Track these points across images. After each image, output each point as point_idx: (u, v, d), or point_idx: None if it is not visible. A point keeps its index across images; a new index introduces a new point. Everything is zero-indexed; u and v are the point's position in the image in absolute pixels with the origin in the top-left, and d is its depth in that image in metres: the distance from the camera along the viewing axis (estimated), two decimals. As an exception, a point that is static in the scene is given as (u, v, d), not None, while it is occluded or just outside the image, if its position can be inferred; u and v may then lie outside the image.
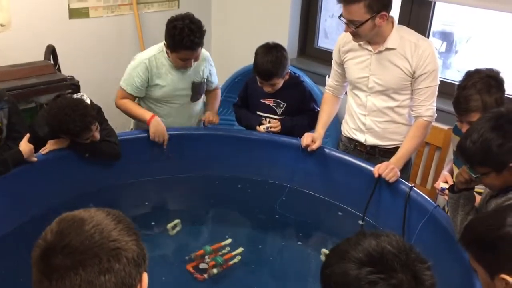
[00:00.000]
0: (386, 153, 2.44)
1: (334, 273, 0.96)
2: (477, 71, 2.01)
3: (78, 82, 3.02)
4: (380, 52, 2.28)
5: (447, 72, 3.31)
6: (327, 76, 2.63)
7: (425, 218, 2.07)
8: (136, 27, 3.64)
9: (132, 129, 2.89)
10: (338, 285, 0.95)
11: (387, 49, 2.26)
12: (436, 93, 2.31)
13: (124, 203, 2.57)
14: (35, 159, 2.25)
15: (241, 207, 2.60)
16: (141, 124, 2.70)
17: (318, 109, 2.68)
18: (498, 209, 1.43)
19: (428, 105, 2.30)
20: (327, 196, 2.55)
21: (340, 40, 2.43)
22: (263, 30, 3.73)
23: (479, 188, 1.86)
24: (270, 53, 2.50)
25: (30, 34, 3.16)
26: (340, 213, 2.47)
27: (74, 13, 3.35)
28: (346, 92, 2.56)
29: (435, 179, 3.06)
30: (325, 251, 2.21)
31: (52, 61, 3.11)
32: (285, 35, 3.62)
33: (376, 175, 2.25)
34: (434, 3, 2.97)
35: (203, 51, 2.68)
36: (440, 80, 2.34)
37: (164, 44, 2.54)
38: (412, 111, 2.35)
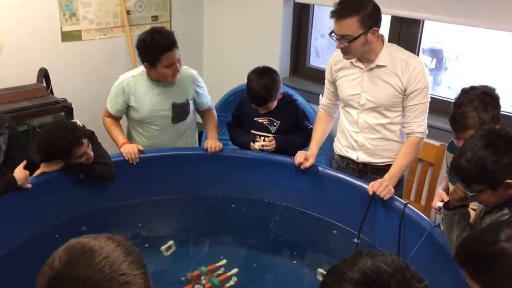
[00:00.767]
0: (378, 170, 2.45)
1: None
2: (472, 88, 2.02)
3: (70, 104, 3.02)
4: (371, 69, 2.30)
5: (437, 88, 3.34)
6: (321, 95, 2.65)
7: (423, 237, 2.05)
8: (129, 49, 3.66)
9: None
10: None
11: (378, 66, 2.28)
12: (428, 109, 2.33)
13: (117, 225, 2.54)
14: (29, 185, 2.23)
15: (235, 227, 2.58)
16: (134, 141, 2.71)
17: (311, 127, 2.69)
18: (491, 225, 1.42)
19: (419, 122, 2.31)
20: (322, 215, 2.54)
21: (332, 59, 2.46)
22: (255, 50, 3.77)
23: (473, 204, 1.86)
24: (262, 79, 2.52)
25: (22, 57, 3.17)
26: (335, 232, 2.46)
27: (67, 36, 3.37)
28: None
29: (429, 195, 3.07)
30: (321, 270, 2.19)
31: (44, 84, 3.11)
32: (277, 54, 3.66)
33: (371, 193, 2.25)
34: (423, 21, 3.01)
35: (191, 71, 2.70)
36: (431, 97, 2.36)
37: (145, 65, 2.54)
38: (404, 127, 2.37)
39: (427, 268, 2.03)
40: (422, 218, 2.13)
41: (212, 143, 2.68)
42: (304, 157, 2.49)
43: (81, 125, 2.41)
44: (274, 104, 2.61)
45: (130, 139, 2.77)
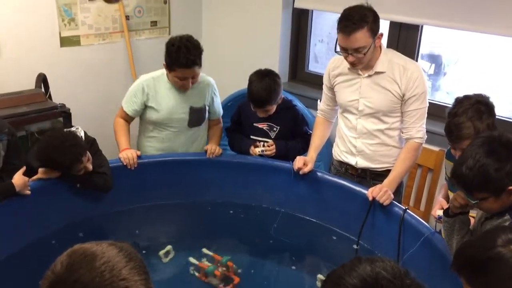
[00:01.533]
0: (377, 176, 2.44)
1: None
2: (466, 98, 2.02)
3: (69, 109, 3.01)
4: (369, 76, 2.30)
5: (436, 94, 3.34)
6: (319, 100, 2.65)
7: (420, 240, 2.05)
8: (128, 54, 3.66)
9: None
10: None
11: (377, 72, 2.29)
12: (426, 115, 2.34)
13: (114, 230, 2.54)
14: (28, 192, 2.22)
15: (234, 232, 2.57)
16: (143, 148, 2.73)
17: (311, 132, 2.69)
18: (488, 231, 1.42)
19: (418, 127, 2.31)
20: (321, 220, 2.53)
21: (330, 64, 2.46)
22: (254, 55, 3.77)
23: (472, 212, 1.86)
24: (263, 81, 2.52)
25: (21, 62, 3.17)
26: (334, 237, 2.45)
27: (66, 41, 3.37)
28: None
29: (428, 200, 3.06)
30: (320, 277, 2.19)
31: (43, 89, 3.11)
32: (276, 60, 3.66)
33: (370, 198, 2.25)
34: (422, 26, 3.02)
35: (209, 79, 2.73)
36: (430, 102, 2.37)
37: (164, 64, 2.56)
38: (402, 133, 2.37)
39: (426, 274, 2.03)
40: (421, 224, 2.13)
41: (213, 146, 2.68)
42: (303, 162, 2.48)
43: (82, 132, 2.40)
44: (273, 108, 2.60)
45: (140, 143, 2.79)
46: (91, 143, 2.42)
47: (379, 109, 2.33)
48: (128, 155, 2.54)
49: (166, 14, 3.87)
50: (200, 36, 4.09)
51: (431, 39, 3.18)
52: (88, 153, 2.31)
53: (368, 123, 2.38)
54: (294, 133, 2.71)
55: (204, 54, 2.52)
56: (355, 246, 2.31)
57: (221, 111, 2.86)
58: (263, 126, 2.68)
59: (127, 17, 3.64)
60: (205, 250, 2.32)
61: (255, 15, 3.73)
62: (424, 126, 2.34)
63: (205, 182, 2.67)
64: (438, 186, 2.97)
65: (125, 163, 2.53)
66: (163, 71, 2.62)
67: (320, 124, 2.59)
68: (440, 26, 2.94)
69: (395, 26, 3.09)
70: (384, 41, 3.09)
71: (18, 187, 2.16)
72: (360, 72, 2.33)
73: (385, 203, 2.22)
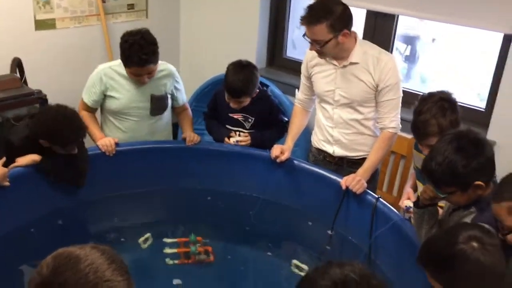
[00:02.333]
0: (354, 164, 2.51)
1: None
2: (430, 95, 2.08)
3: (45, 95, 2.99)
4: (344, 66, 2.35)
5: (410, 81, 3.41)
6: (297, 89, 2.68)
7: (389, 224, 2.13)
8: (104, 37, 3.62)
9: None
10: None
11: (351, 63, 2.33)
12: (400, 104, 2.39)
13: (93, 218, 2.56)
14: (7, 183, 2.20)
15: (211, 219, 2.62)
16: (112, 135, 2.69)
17: (286, 119, 2.73)
18: (451, 228, 1.50)
19: (392, 117, 2.37)
20: (297, 207, 2.59)
21: (308, 54, 2.49)
22: (232, 40, 3.77)
23: (440, 202, 1.94)
24: (241, 72, 2.52)
25: (-6, 46, 3.12)
26: (310, 223, 2.52)
27: (41, 25, 3.32)
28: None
29: (401, 186, 3.16)
30: (296, 262, 2.26)
31: (18, 75, 3.06)
32: (253, 45, 3.67)
33: (344, 187, 2.31)
34: (398, 16, 3.06)
35: (170, 67, 2.71)
36: (403, 90, 2.42)
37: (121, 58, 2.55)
38: (377, 123, 2.43)
39: (396, 261, 2.12)
40: (392, 212, 2.21)
41: (191, 134, 2.70)
42: (280, 151, 2.53)
43: None
44: (247, 100, 2.60)
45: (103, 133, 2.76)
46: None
47: (354, 99, 2.38)
48: (106, 142, 2.55)
49: (143, -3, 3.82)
50: (178, 19, 4.07)
51: (406, 23, 3.24)
52: None
53: (344, 113, 2.44)
54: (270, 122, 2.73)
55: (181, 38, 2.50)
56: (329, 232, 2.38)
57: (185, 97, 2.86)
58: (238, 117, 2.69)
59: (103, 0, 3.59)
60: (166, 240, 2.38)
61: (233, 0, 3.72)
62: (399, 116, 2.40)
63: (184, 170, 2.70)
64: (410, 173, 3.06)
65: (103, 150, 2.54)
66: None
67: (298, 113, 2.63)
68: (416, 16, 2.99)
69: (371, 15, 3.13)
70: (360, 29, 3.15)
71: None
72: (335, 63, 2.37)
73: (357, 192, 2.29)
